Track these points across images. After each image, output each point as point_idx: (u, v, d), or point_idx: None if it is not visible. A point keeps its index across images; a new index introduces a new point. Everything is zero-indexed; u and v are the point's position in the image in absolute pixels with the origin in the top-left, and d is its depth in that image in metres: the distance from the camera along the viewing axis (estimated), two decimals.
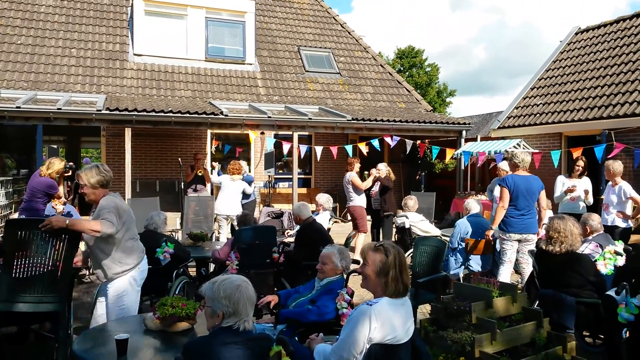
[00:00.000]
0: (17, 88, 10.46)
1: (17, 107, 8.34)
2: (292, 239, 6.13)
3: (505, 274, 5.52)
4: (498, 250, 5.61)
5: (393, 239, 7.94)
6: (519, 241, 5.49)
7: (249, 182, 8.74)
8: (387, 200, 8.17)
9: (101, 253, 3.67)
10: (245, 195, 8.67)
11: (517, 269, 5.84)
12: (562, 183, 7.16)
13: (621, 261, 4.50)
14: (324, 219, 6.81)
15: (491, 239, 5.58)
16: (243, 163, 9.24)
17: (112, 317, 3.69)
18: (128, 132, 9.40)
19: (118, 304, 3.69)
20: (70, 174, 6.85)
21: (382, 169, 8.23)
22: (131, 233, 3.79)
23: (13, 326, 4.14)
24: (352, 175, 8.22)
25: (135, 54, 12.15)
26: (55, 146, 11.68)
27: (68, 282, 3.89)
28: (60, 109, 8.56)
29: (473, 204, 6.14)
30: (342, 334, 2.55)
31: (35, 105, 8.70)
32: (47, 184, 6.19)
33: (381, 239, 8.21)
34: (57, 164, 6.26)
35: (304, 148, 10.38)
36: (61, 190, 7.12)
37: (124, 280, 3.73)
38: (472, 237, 5.77)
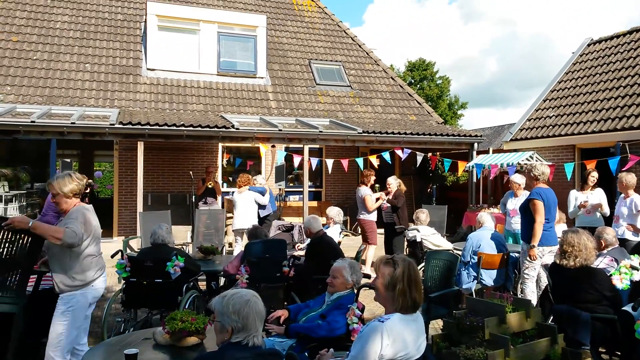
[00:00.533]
0: (32, 103, 10.63)
1: (31, 122, 8.46)
2: (302, 253, 6.10)
3: (534, 289, 5.45)
4: (526, 264, 5.49)
5: (404, 253, 7.87)
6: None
7: (260, 193, 8.72)
8: (399, 214, 8.15)
9: (57, 262, 3.55)
10: (260, 206, 8.68)
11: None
12: (574, 197, 7.10)
13: (637, 276, 4.40)
14: (334, 232, 6.78)
15: (537, 256, 5.40)
16: (258, 176, 9.28)
17: (51, 332, 3.53)
18: (140, 146, 9.49)
19: (61, 319, 3.55)
20: (88, 190, 6.86)
21: (392, 183, 8.22)
22: (93, 249, 3.66)
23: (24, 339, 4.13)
24: (365, 194, 8.33)
25: (148, 69, 12.31)
26: (69, 160, 11.85)
27: (26, 284, 3.78)
28: (74, 123, 8.67)
29: (486, 218, 6.08)
30: (352, 350, 2.52)
31: (50, 120, 8.82)
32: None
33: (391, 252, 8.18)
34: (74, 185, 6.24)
35: (314, 161, 10.38)
36: None
37: (75, 296, 3.58)
38: (485, 251, 5.69)
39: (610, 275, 4.31)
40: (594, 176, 7.02)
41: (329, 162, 10.35)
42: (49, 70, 11.50)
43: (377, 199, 8.32)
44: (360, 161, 10.35)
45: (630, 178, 6.41)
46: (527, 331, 3.61)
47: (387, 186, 8.28)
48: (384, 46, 63.48)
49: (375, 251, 8.37)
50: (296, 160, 10.21)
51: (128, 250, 6.92)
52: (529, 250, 5.39)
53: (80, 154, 15.85)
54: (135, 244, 8.28)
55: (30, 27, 12.24)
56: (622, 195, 6.51)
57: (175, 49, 12.54)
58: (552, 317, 4.08)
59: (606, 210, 6.84)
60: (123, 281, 4.73)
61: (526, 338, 3.54)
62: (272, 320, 3.70)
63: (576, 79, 12.00)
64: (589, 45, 12.69)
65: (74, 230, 3.40)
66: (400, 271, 2.56)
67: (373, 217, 8.35)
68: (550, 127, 11.23)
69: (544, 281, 5.67)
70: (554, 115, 11.50)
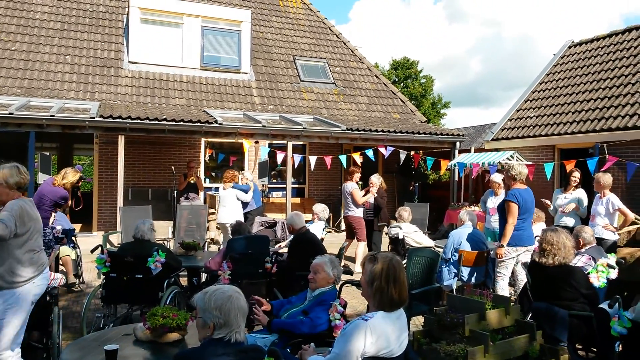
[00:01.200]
0: (10, 94, 10.41)
1: (9, 114, 8.30)
2: (285, 250, 6.09)
3: (506, 287, 5.54)
4: (498, 263, 5.58)
5: (385, 250, 7.92)
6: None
7: (244, 191, 8.68)
8: (381, 211, 8.25)
9: None
10: (244, 204, 8.67)
11: (511, 282, 5.85)
12: (557, 197, 7.24)
13: (614, 274, 4.50)
14: (317, 228, 6.78)
15: (503, 255, 5.48)
16: (246, 172, 9.25)
17: None
18: (121, 140, 9.36)
19: (1, 316, 3.42)
20: (79, 184, 6.75)
21: (375, 182, 8.24)
22: (33, 244, 3.53)
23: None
24: (352, 188, 8.30)
25: (130, 62, 12.14)
26: (47, 153, 11.63)
27: None
28: (53, 115, 8.53)
29: (467, 216, 6.14)
30: (335, 348, 2.53)
31: (29, 112, 8.66)
32: (60, 195, 6.08)
33: (372, 249, 8.24)
34: (71, 176, 6.17)
35: (297, 157, 10.38)
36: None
37: (14, 292, 3.45)
38: (466, 249, 5.76)
39: (588, 273, 4.40)
40: (575, 176, 7.15)
41: (312, 159, 10.36)
42: (28, 62, 11.28)
43: (366, 193, 8.33)
44: (343, 158, 10.37)
45: (607, 178, 6.55)
46: (506, 328, 3.66)
47: (370, 184, 8.28)
48: (369, 44, 63.64)
49: (365, 248, 8.44)
50: (279, 156, 10.19)
51: (108, 245, 6.83)
52: (497, 249, 5.51)
53: (59, 147, 15.59)
54: (116, 238, 8.18)
55: (9, 17, 11.98)
56: (599, 194, 6.65)
57: (158, 42, 12.39)
58: (530, 314, 4.14)
59: (582, 210, 6.97)
60: (103, 276, 4.67)
61: (505, 335, 3.59)
62: (254, 316, 3.67)
63: (557, 80, 12.19)
64: (569, 47, 12.89)
65: (5, 222, 3.28)
66: (379, 267, 2.57)
67: (360, 213, 8.32)
68: (531, 127, 11.39)
69: (522, 279, 5.77)
70: (534, 115, 11.66)
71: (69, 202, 6.41)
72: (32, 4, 12.51)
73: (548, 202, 7.37)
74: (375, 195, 8.28)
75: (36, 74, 11.12)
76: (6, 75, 10.85)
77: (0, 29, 11.62)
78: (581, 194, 7.05)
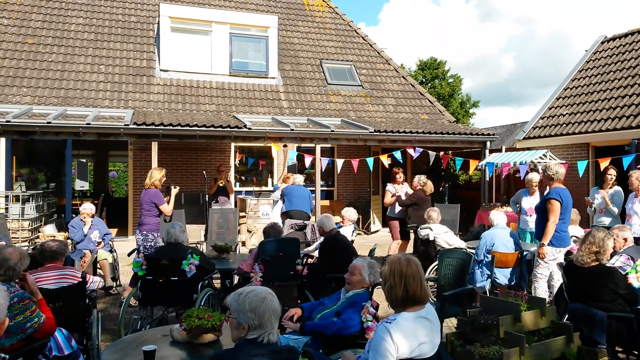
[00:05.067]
0: (47, 104, 10.79)
1: (47, 123, 8.57)
2: (316, 253, 6.12)
3: (545, 289, 5.44)
4: (537, 263, 5.47)
5: (410, 252, 7.87)
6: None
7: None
8: (411, 213, 8.18)
9: None
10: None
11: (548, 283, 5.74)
12: (594, 196, 7.08)
13: None
14: (347, 231, 6.80)
15: (546, 255, 5.39)
16: (297, 176, 9.32)
17: None
18: (155, 146, 9.58)
19: None
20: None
21: (414, 181, 8.31)
22: None
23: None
24: (386, 189, 8.75)
25: (161, 70, 12.42)
26: (84, 160, 12.00)
27: None
28: (89, 124, 8.78)
29: (498, 216, 6.05)
30: (368, 356, 2.54)
31: (65, 121, 8.94)
32: (152, 194, 6.34)
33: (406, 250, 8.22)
34: (156, 173, 6.42)
35: (325, 161, 10.41)
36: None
37: None
38: (499, 250, 5.67)
39: (627, 274, 4.28)
40: (611, 174, 6.98)
41: (339, 162, 10.37)
42: (64, 72, 11.66)
43: (393, 196, 8.53)
44: (370, 161, 10.35)
45: None
46: (542, 329, 3.60)
47: (395, 190, 8.57)
48: (399, 46, 63.44)
49: (396, 247, 8.51)
50: (307, 159, 10.24)
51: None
52: (539, 248, 5.38)
53: (95, 154, 16.04)
54: None
55: (45, 30, 12.41)
56: (634, 193, 6.46)
57: (188, 50, 12.64)
58: (567, 316, 4.06)
59: (613, 208, 6.78)
60: (139, 279, 4.79)
61: (541, 336, 3.54)
62: (286, 319, 3.73)
63: (590, 77, 11.88)
64: (602, 42, 12.56)
65: None
66: (388, 268, 2.61)
67: (393, 213, 8.61)
68: (564, 125, 11.14)
69: (557, 279, 5.64)
70: (567, 113, 11.40)
71: (168, 197, 6.59)
72: (67, 16, 12.94)
73: (590, 199, 7.16)
74: (397, 194, 8.43)
75: (72, 84, 11.49)
76: (44, 85, 11.24)
77: (38, 41, 12.05)
78: (618, 191, 6.87)
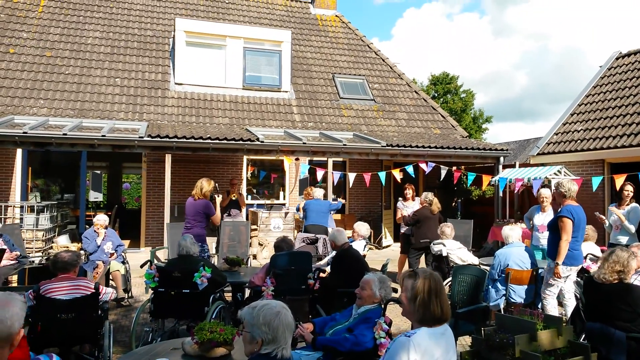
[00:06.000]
0: (64, 116, 10.94)
1: (63, 134, 8.69)
2: (328, 268, 6.08)
3: (555, 306, 5.36)
4: (547, 281, 5.40)
5: (431, 267, 7.78)
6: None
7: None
8: (414, 230, 8.07)
9: None
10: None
11: (558, 301, 5.65)
12: (611, 213, 6.99)
13: None
14: (359, 246, 6.76)
15: (561, 275, 5.32)
16: (315, 190, 9.00)
17: None
18: (168, 158, 9.66)
19: None
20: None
21: (421, 198, 8.20)
22: None
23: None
24: (396, 206, 8.89)
25: (176, 83, 12.57)
26: (98, 172, 12.10)
27: None
28: (104, 135, 8.89)
29: (511, 233, 5.97)
30: None
31: (81, 133, 9.06)
32: (205, 205, 6.47)
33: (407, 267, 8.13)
34: (206, 184, 6.59)
35: (337, 174, 10.40)
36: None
37: None
38: (513, 267, 5.60)
39: None
40: (627, 190, 6.87)
41: (351, 176, 10.35)
42: (81, 85, 11.84)
43: (400, 215, 8.60)
44: (382, 175, 10.32)
45: None
46: (558, 349, 3.52)
47: (400, 210, 8.61)
48: (412, 61, 63.68)
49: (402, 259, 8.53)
50: (319, 173, 10.24)
51: (155, 261, 7.02)
52: (554, 268, 5.30)
53: (109, 166, 16.19)
54: (163, 254, 8.40)
55: (63, 43, 12.64)
56: None
57: (203, 63, 12.78)
58: (584, 335, 3.98)
59: (628, 226, 6.67)
60: (151, 291, 4.79)
61: (558, 356, 3.46)
62: (297, 335, 3.69)
63: (604, 93, 11.80)
64: (617, 58, 12.49)
65: None
66: (421, 282, 2.53)
67: (404, 229, 8.67)
68: (579, 141, 11.04)
69: (568, 297, 5.54)
70: (581, 129, 11.31)
71: (216, 209, 6.72)
72: (85, 30, 13.18)
73: (602, 216, 7.08)
74: (403, 214, 8.43)
75: (88, 96, 11.66)
76: (60, 97, 11.42)
77: (55, 54, 12.28)
78: (634, 208, 6.76)
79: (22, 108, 10.91)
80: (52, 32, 12.82)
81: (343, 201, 9.48)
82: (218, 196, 6.87)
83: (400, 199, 9.00)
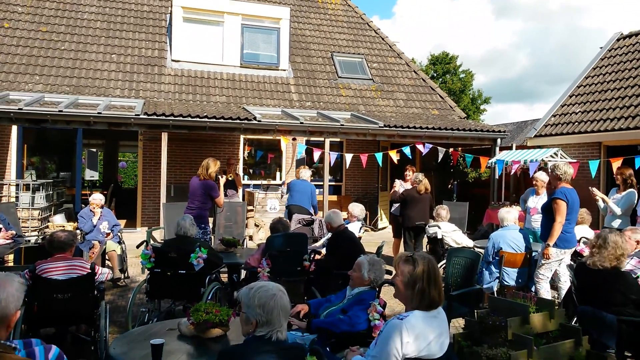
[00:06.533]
0: (59, 92, 10.84)
1: (59, 111, 8.61)
2: (323, 250, 6.11)
3: (548, 290, 5.42)
4: (541, 264, 5.45)
5: (424, 250, 7.83)
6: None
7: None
8: (402, 211, 8.06)
9: None
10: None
11: (552, 284, 5.71)
12: (612, 198, 6.99)
13: None
14: (355, 227, 6.78)
15: (551, 257, 5.37)
16: (303, 170, 8.88)
17: None
18: (164, 137, 9.60)
19: None
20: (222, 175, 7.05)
21: (411, 177, 8.19)
22: None
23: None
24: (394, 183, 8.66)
25: (173, 60, 12.43)
26: (94, 150, 12.03)
27: None
28: (100, 113, 8.81)
29: (506, 215, 5.99)
30: (374, 350, 2.52)
31: (77, 110, 8.97)
32: (210, 186, 6.49)
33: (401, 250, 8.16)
34: (212, 165, 6.56)
35: (334, 155, 10.38)
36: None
37: None
38: (507, 250, 5.63)
39: (637, 277, 4.23)
40: (620, 175, 6.86)
41: (348, 157, 10.34)
42: (77, 61, 11.70)
43: (392, 191, 8.47)
44: (379, 156, 10.31)
45: None
46: (550, 332, 3.57)
47: (394, 187, 8.50)
48: (413, 39, 62.97)
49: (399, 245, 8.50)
50: (316, 154, 10.22)
51: (152, 241, 7.03)
52: (544, 249, 5.36)
53: (105, 144, 16.11)
54: (159, 234, 8.42)
55: (58, 18, 12.45)
56: None
57: (200, 40, 12.63)
58: (576, 319, 4.03)
59: (613, 207, 6.68)
60: (147, 271, 4.81)
61: (550, 339, 3.51)
62: (292, 315, 3.72)
63: (604, 75, 11.73)
64: (618, 40, 12.38)
65: None
66: (420, 270, 2.55)
67: (395, 211, 8.54)
68: (576, 123, 11.02)
69: (564, 281, 5.61)
70: (580, 111, 11.27)
71: (219, 191, 6.69)
72: (80, 5, 12.97)
73: (596, 191, 6.95)
74: (395, 189, 8.33)
75: (84, 73, 11.53)
76: (56, 74, 11.29)
77: (51, 30, 12.09)
78: (629, 193, 6.76)
79: (17, 84, 10.79)
80: (48, 6, 12.61)
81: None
82: (222, 177, 6.81)
83: (400, 180, 8.93)
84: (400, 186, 8.58)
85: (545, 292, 5.39)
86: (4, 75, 10.87)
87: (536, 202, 7.04)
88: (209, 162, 6.65)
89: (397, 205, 8.39)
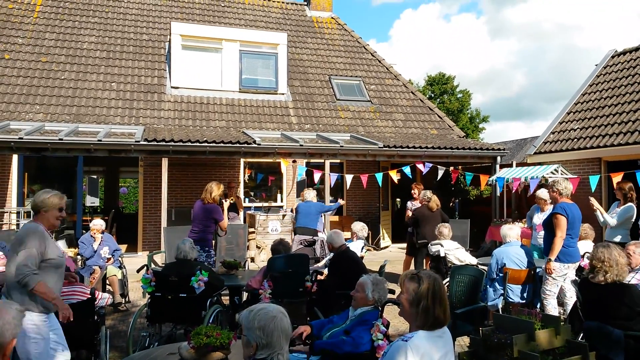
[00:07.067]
0: (60, 121, 10.92)
1: (59, 139, 8.67)
2: (325, 271, 6.07)
3: (555, 306, 5.37)
4: (546, 280, 5.41)
5: (426, 268, 7.77)
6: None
7: None
8: (416, 230, 8.04)
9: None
10: None
11: (559, 300, 5.64)
12: (612, 212, 6.98)
13: None
14: (357, 247, 6.75)
15: (553, 272, 5.34)
16: (306, 192, 8.77)
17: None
18: (165, 162, 9.64)
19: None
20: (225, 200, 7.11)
21: (420, 197, 8.22)
22: None
23: None
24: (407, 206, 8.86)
25: (172, 87, 12.55)
26: (95, 177, 12.05)
27: None
28: (100, 140, 8.86)
29: (509, 232, 5.97)
30: None
31: (77, 138, 9.04)
32: (214, 209, 6.52)
33: (412, 267, 8.10)
34: (216, 188, 6.56)
35: (334, 176, 10.39)
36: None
37: None
38: (511, 267, 5.59)
39: None
40: (624, 188, 6.86)
41: (348, 178, 10.34)
42: (77, 89, 11.82)
43: (407, 216, 8.57)
44: (379, 176, 10.32)
45: None
46: (556, 349, 3.51)
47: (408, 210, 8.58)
48: (410, 62, 63.66)
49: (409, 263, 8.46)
50: (316, 175, 10.23)
51: (152, 265, 6.99)
52: (546, 264, 5.34)
53: (106, 171, 16.16)
54: (160, 258, 8.38)
55: (58, 48, 12.62)
56: None
57: (199, 67, 12.77)
58: (582, 334, 3.97)
59: (607, 218, 6.66)
60: (148, 296, 4.77)
61: (556, 356, 3.45)
62: (295, 336, 3.67)
63: (600, 91, 11.82)
64: (612, 57, 12.51)
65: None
66: (425, 288, 2.51)
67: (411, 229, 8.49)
68: (575, 139, 11.05)
69: (570, 296, 5.56)
70: (578, 128, 11.32)
71: (223, 214, 6.71)
72: (80, 35, 13.16)
73: (593, 200, 6.91)
74: (410, 210, 8.38)
75: (84, 101, 11.63)
76: (56, 102, 11.39)
77: (51, 59, 12.25)
78: (627, 207, 6.74)
79: (17, 114, 10.88)
80: (48, 37, 12.80)
81: (342, 202, 9.36)
82: (226, 201, 6.80)
83: (409, 202, 9.01)
84: (412, 207, 8.59)
85: (553, 308, 5.33)
86: (5, 105, 10.97)
87: (541, 218, 7.02)
88: (213, 185, 6.64)
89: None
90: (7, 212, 10.61)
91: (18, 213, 10.14)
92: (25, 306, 3.31)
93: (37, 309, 3.45)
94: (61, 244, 9.81)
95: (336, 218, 12.97)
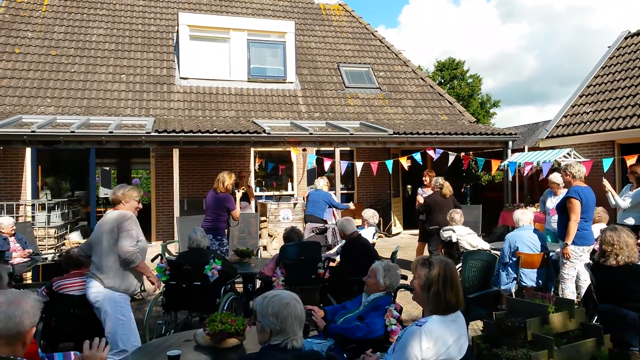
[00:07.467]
0: (71, 114, 11.00)
1: (71, 132, 8.74)
2: (338, 258, 6.09)
3: (573, 289, 5.36)
4: (564, 264, 5.39)
5: (440, 254, 7.76)
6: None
7: None
8: (429, 216, 8.01)
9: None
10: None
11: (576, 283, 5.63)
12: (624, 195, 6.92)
13: None
14: (368, 234, 6.76)
15: (570, 255, 5.32)
16: (317, 181, 8.78)
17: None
18: (176, 153, 9.69)
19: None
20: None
21: (432, 183, 8.18)
22: None
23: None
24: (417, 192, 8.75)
25: (181, 78, 12.57)
26: (107, 168, 12.17)
27: None
28: (111, 132, 8.92)
29: (521, 217, 5.94)
30: (392, 357, 2.50)
31: (89, 130, 9.10)
32: (227, 199, 6.59)
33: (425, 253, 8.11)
34: (228, 178, 6.64)
35: (344, 164, 10.37)
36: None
37: None
38: (524, 251, 5.57)
39: None
40: (635, 172, 6.79)
41: (358, 165, 10.32)
42: (87, 82, 11.88)
43: (417, 202, 8.44)
44: (389, 163, 10.28)
45: None
46: (571, 332, 3.52)
47: (419, 196, 8.49)
48: (420, 47, 63.02)
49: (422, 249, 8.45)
50: (327, 163, 10.23)
51: (166, 254, 7.07)
52: (563, 248, 5.32)
53: (118, 162, 16.28)
54: (173, 248, 8.46)
55: (68, 41, 12.67)
56: None
57: (207, 57, 12.77)
58: (596, 317, 3.96)
59: (619, 201, 6.61)
60: (163, 284, 4.84)
61: (570, 339, 3.45)
62: (310, 320, 3.68)
63: (613, 73, 11.63)
64: (626, 38, 12.29)
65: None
66: (436, 272, 2.52)
67: (422, 216, 8.39)
68: (588, 123, 10.92)
69: (584, 279, 5.53)
70: (591, 111, 11.17)
71: (235, 203, 6.81)
72: (89, 27, 13.19)
73: (606, 182, 6.85)
74: (421, 196, 8.35)
75: (94, 94, 11.70)
76: (67, 95, 11.47)
77: (60, 53, 12.32)
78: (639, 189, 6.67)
79: (29, 107, 10.98)
80: (57, 30, 12.85)
81: (352, 207, 9.23)
82: (238, 191, 6.85)
83: (420, 188, 8.97)
84: (423, 194, 8.55)
85: (571, 292, 5.33)
86: (17, 99, 11.07)
87: (554, 202, 6.98)
88: (224, 175, 6.68)
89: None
90: (22, 204, 10.76)
91: (33, 205, 10.27)
92: (119, 285, 3.98)
93: (122, 289, 4.01)
94: (76, 235, 9.98)
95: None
